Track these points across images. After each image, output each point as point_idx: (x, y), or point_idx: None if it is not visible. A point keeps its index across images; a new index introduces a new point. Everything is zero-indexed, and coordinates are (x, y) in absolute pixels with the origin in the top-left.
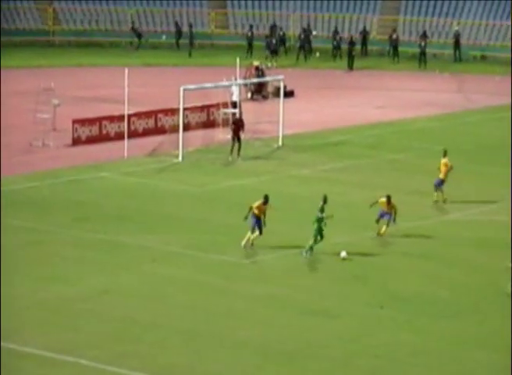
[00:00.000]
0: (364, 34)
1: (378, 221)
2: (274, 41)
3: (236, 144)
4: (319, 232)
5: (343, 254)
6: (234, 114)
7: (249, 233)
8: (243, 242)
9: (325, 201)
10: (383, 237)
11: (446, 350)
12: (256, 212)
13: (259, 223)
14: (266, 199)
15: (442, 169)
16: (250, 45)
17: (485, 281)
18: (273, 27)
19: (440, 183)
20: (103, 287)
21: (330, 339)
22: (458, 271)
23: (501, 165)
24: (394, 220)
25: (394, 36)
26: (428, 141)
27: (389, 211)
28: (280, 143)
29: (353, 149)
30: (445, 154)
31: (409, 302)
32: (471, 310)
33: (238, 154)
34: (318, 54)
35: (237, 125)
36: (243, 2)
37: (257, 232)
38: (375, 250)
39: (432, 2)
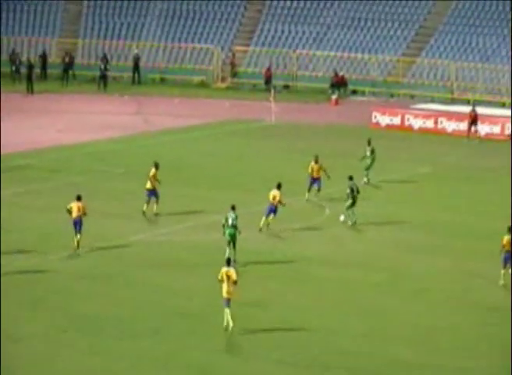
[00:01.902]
0: (44, 57)
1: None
2: None
3: None
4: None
5: (342, 217)
6: None
7: None
8: None
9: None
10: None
11: (126, 370)
12: None
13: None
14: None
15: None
16: None
17: (155, 299)
18: None
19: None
20: None
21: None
22: (139, 291)
23: (183, 184)
24: None
25: (67, 59)
26: (108, 163)
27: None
28: None
29: (34, 172)
30: None
31: (91, 324)
32: (150, 331)
33: None
34: None
35: None
36: None
37: None
38: (54, 273)
39: (110, 25)
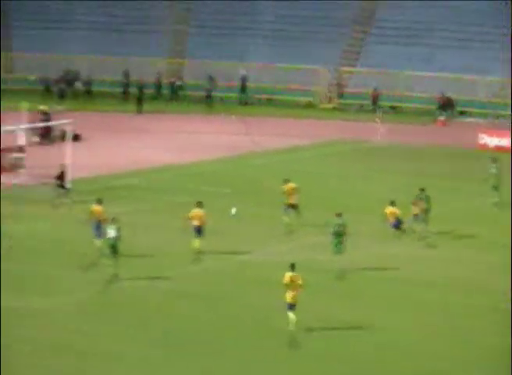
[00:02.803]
0: (158, 77)
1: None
2: (66, 84)
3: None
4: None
5: (234, 210)
6: (21, 158)
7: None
8: None
9: None
10: None
11: None
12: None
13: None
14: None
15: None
16: (47, 89)
17: None
18: (63, 71)
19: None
20: None
21: None
22: (242, 311)
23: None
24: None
25: (174, 79)
26: (215, 183)
27: None
28: (68, 187)
29: (141, 192)
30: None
31: (190, 343)
32: (252, 350)
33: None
34: None
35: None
36: (29, 45)
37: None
38: (157, 291)
39: (217, 46)
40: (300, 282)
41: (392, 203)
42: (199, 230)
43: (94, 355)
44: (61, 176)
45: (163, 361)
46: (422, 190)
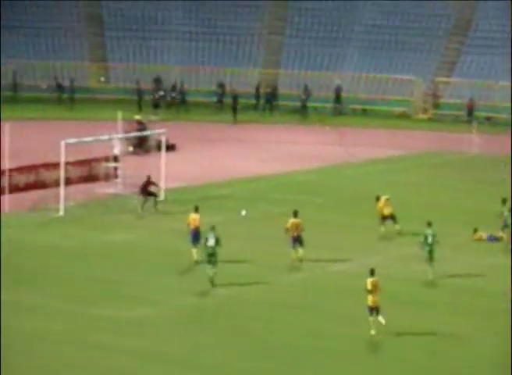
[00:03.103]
0: (257, 87)
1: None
2: (161, 94)
3: (149, 199)
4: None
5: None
6: (116, 168)
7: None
8: None
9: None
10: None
11: None
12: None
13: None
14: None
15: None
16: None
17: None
18: (157, 80)
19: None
20: None
21: None
22: (336, 323)
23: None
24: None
25: (269, 89)
26: (308, 193)
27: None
28: (162, 197)
29: (234, 202)
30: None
31: (287, 354)
32: (349, 364)
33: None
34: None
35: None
36: (124, 55)
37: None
38: (251, 302)
39: (312, 56)
40: (378, 286)
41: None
42: (297, 240)
43: (194, 367)
44: (145, 187)
45: (264, 373)
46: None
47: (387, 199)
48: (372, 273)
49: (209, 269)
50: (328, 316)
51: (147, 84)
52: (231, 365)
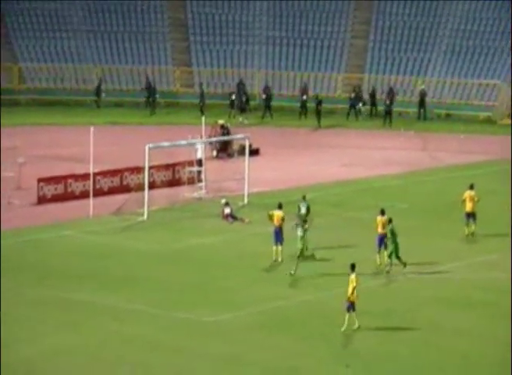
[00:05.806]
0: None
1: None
2: (244, 98)
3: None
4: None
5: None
6: (199, 172)
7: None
8: None
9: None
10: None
11: None
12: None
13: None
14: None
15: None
16: (232, 105)
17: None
18: (239, 85)
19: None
20: (63, 346)
21: None
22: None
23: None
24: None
25: (353, 95)
26: (392, 199)
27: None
28: (245, 201)
29: (317, 207)
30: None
31: (367, 360)
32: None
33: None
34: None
35: None
36: (208, 60)
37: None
38: (330, 306)
39: (396, 60)
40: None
41: None
42: (382, 240)
43: (277, 371)
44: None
45: None
46: None
47: (472, 196)
48: (353, 268)
49: (300, 232)
50: (410, 322)
51: (230, 89)
52: (316, 370)
